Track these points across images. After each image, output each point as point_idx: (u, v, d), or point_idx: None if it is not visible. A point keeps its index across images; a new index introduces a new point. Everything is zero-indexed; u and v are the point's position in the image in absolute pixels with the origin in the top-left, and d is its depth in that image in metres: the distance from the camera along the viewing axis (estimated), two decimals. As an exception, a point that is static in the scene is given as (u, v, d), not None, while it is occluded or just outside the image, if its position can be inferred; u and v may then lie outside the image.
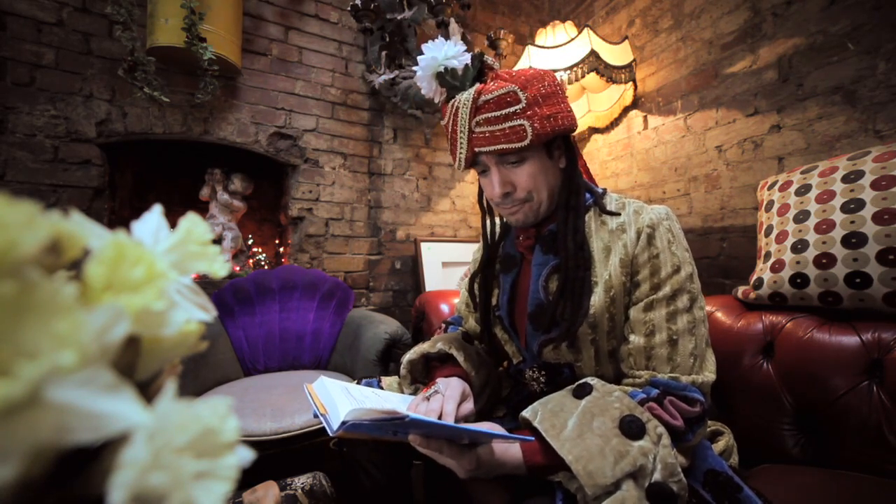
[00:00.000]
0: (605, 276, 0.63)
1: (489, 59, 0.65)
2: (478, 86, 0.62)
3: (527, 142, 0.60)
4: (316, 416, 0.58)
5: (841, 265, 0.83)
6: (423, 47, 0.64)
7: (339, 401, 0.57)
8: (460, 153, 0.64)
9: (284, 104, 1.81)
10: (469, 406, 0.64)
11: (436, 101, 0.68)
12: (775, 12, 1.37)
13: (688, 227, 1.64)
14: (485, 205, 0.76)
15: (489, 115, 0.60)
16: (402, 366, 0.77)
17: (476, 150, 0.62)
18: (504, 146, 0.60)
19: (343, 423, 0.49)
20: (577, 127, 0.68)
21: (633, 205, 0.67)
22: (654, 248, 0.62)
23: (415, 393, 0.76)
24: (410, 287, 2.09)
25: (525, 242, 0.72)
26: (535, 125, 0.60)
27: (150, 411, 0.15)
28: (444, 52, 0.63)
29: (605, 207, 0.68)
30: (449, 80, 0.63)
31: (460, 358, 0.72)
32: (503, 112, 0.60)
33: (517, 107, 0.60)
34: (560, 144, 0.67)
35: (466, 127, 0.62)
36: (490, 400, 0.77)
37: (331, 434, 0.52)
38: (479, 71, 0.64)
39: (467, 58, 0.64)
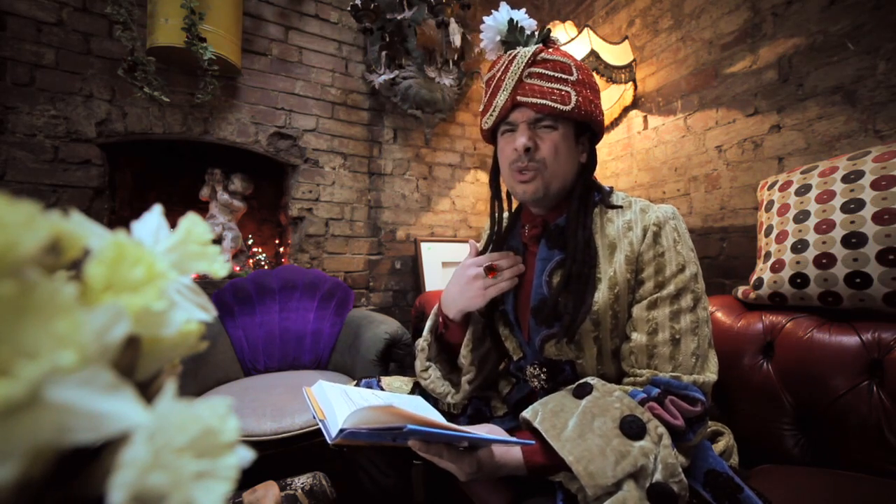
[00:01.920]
0: (610, 273, 0.63)
1: (555, 36, 0.69)
2: (540, 45, 0.66)
3: (569, 107, 0.62)
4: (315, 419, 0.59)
5: (841, 265, 0.83)
6: (502, 5, 0.70)
7: (337, 406, 0.57)
8: (499, 100, 0.66)
9: (284, 104, 1.81)
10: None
11: (489, 56, 0.72)
12: (775, 12, 1.37)
13: (688, 227, 1.64)
14: (496, 185, 0.76)
15: (543, 70, 0.63)
16: (418, 361, 0.77)
17: (519, 98, 0.64)
18: (548, 102, 0.62)
19: (341, 430, 0.48)
20: (603, 132, 0.72)
21: (640, 203, 0.67)
22: (659, 246, 0.62)
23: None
24: (410, 287, 2.09)
25: (531, 232, 0.72)
26: (580, 100, 0.63)
27: (150, 411, 0.15)
28: (518, 15, 0.68)
29: (611, 204, 0.68)
30: (515, 35, 0.67)
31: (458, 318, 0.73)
32: (557, 74, 0.63)
33: (569, 77, 0.64)
34: (586, 140, 0.70)
35: (518, 74, 0.64)
36: (489, 358, 0.78)
37: (329, 441, 0.52)
38: (545, 39, 0.68)
39: (535, 28, 0.69)
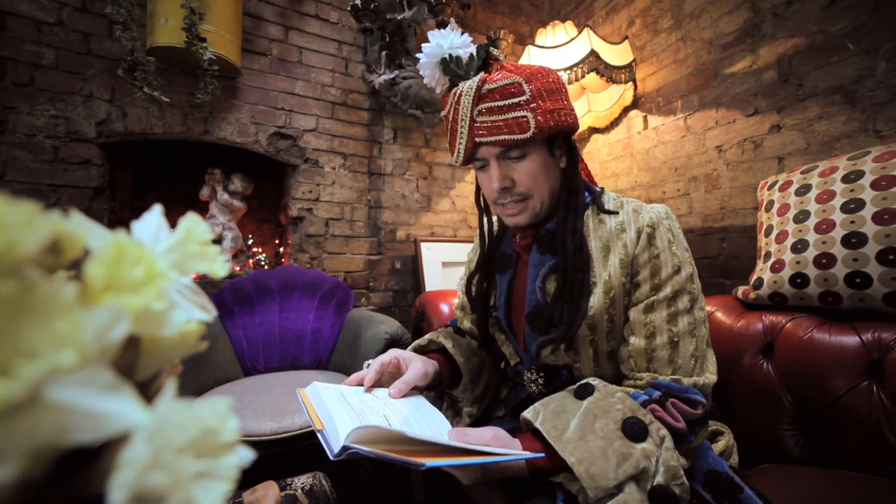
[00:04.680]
0: (605, 277, 0.62)
1: (494, 50, 0.63)
2: (482, 75, 0.61)
3: (529, 134, 0.59)
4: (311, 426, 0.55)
5: (841, 265, 0.83)
6: (430, 34, 0.63)
7: (336, 414, 0.53)
8: (460, 144, 0.63)
9: (284, 104, 1.81)
10: (415, 370, 0.66)
11: (437, 90, 0.67)
12: (775, 12, 1.37)
13: (688, 227, 1.64)
14: (482, 203, 0.75)
15: (492, 104, 0.59)
16: None
17: (476, 140, 0.61)
18: (506, 137, 0.59)
19: (344, 447, 0.45)
20: (578, 127, 0.68)
21: (632, 204, 0.66)
22: (654, 248, 0.61)
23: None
24: (410, 287, 2.09)
25: (522, 242, 0.71)
26: (539, 118, 0.59)
27: (150, 411, 0.15)
28: (449, 41, 0.62)
29: (603, 206, 0.67)
30: (453, 68, 0.62)
31: (449, 345, 0.73)
32: (507, 102, 0.59)
33: (521, 98, 0.59)
34: (562, 144, 0.67)
35: (468, 116, 0.61)
36: (489, 388, 0.78)
37: (331, 457, 0.48)
38: (484, 61, 0.63)
39: (473, 49, 0.63)
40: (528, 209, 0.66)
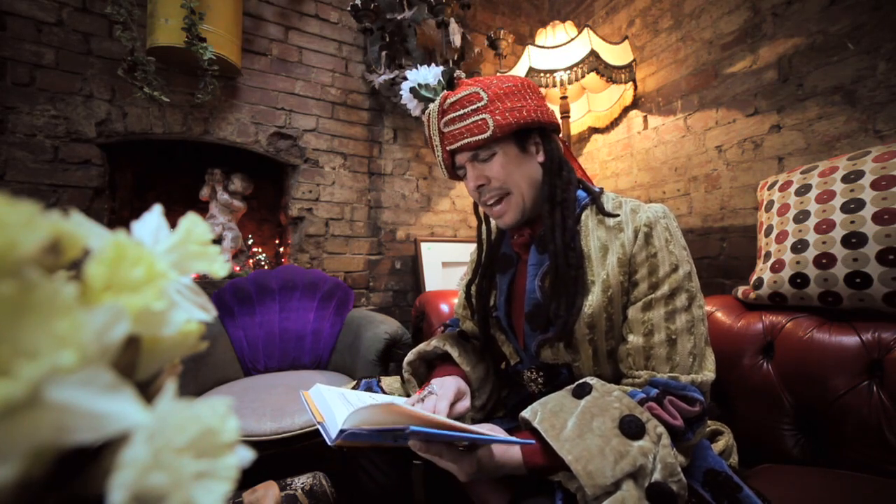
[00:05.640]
0: (603, 276, 0.63)
1: (458, 72, 0.69)
2: (445, 93, 0.67)
3: (488, 133, 0.63)
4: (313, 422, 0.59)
5: (841, 265, 0.83)
6: (407, 73, 0.73)
7: (335, 408, 0.57)
8: (438, 156, 0.69)
9: (284, 104, 1.81)
10: (465, 404, 0.66)
11: (422, 118, 0.74)
12: (775, 12, 1.37)
13: (688, 227, 1.64)
14: (481, 214, 0.78)
15: (454, 114, 0.65)
16: (403, 370, 0.77)
17: (448, 148, 0.67)
18: (469, 140, 0.64)
19: (341, 431, 0.48)
20: (553, 122, 0.70)
21: (630, 203, 0.67)
22: (651, 246, 0.62)
23: None
24: (410, 287, 2.09)
25: (520, 241, 0.72)
26: (497, 118, 0.63)
27: (150, 411, 0.15)
28: (423, 76, 0.71)
29: (602, 207, 0.67)
30: (423, 93, 0.70)
31: (455, 353, 0.74)
32: (466, 110, 0.65)
33: (479, 104, 0.64)
34: (537, 140, 0.69)
35: (437, 129, 0.67)
36: (493, 394, 0.78)
37: (329, 443, 0.52)
38: (449, 82, 0.70)
39: (439, 75, 0.70)
40: (512, 205, 0.68)
